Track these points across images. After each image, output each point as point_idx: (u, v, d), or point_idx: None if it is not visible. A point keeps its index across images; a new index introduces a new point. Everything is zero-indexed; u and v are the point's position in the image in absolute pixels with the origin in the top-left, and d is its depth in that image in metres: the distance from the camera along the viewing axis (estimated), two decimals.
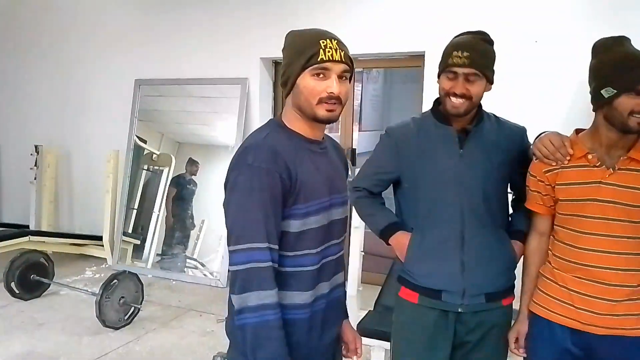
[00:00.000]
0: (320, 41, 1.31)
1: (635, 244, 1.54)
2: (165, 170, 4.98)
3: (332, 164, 1.49)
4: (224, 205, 1.33)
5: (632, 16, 3.38)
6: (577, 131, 1.68)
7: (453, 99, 1.65)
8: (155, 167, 5.07)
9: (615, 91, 1.50)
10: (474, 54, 1.62)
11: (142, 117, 5.11)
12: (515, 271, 1.82)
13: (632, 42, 1.58)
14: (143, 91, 5.11)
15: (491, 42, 1.69)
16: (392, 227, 1.83)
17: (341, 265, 1.55)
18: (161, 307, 4.08)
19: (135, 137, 5.10)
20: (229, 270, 1.43)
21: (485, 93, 1.71)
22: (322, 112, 1.34)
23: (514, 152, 1.79)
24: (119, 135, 5.12)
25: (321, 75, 1.32)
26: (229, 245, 1.30)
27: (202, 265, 4.71)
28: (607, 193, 1.54)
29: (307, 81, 1.32)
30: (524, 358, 1.78)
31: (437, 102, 1.79)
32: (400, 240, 1.80)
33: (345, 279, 1.67)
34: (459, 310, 1.73)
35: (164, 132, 5.05)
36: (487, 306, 1.74)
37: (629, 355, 1.56)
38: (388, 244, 1.86)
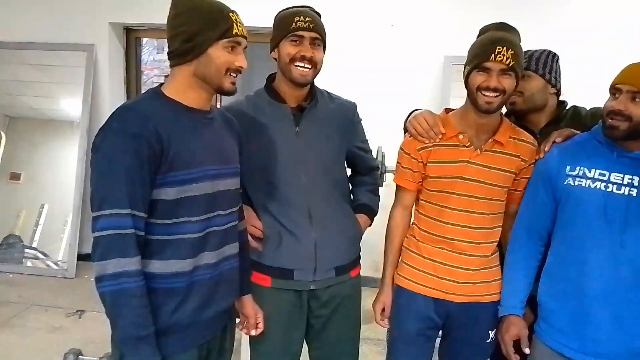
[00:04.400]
0: (230, 15, 1.37)
1: (491, 219, 1.68)
2: None
3: (219, 133, 1.49)
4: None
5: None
6: (447, 110, 1.75)
7: (300, 65, 1.65)
8: None
9: (467, 68, 1.61)
10: (315, 19, 1.67)
11: None
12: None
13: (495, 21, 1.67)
14: None
15: (319, 15, 1.75)
16: None
17: (232, 237, 1.53)
18: None
19: None
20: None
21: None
22: (227, 84, 1.39)
23: (346, 127, 1.85)
24: None
25: (232, 48, 1.37)
26: (92, 211, 1.28)
27: (45, 255, 4.29)
28: (473, 172, 1.64)
29: (219, 52, 1.36)
30: (388, 329, 1.86)
31: (270, 79, 1.79)
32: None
33: (245, 252, 1.66)
34: (312, 287, 1.76)
35: None
36: (337, 280, 1.79)
37: (480, 318, 1.71)
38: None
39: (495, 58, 1.53)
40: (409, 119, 1.76)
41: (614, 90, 1.47)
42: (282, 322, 1.77)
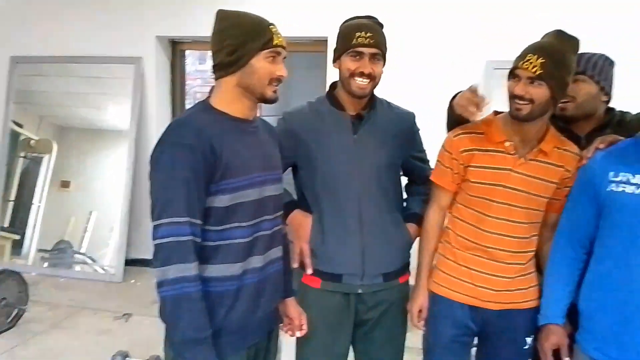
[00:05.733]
0: (270, 27, 1.42)
1: (528, 228, 1.67)
2: (46, 157, 4.60)
3: (263, 142, 1.54)
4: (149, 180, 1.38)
5: None
6: (495, 113, 1.73)
7: (359, 79, 1.68)
8: (34, 154, 4.65)
9: None
10: (376, 34, 1.68)
11: (18, 98, 4.64)
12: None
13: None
14: (20, 70, 4.62)
15: (382, 26, 1.76)
16: (288, 206, 1.82)
17: (277, 240, 1.58)
18: (50, 307, 3.78)
19: (10, 122, 4.62)
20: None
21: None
22: (270, 92, 1.44)
23: (404, 137, 1.87)
24: None
25: (273, 58, 1.42)
26: (152, 220, 1.33)
27: (93, 260, 4.43)
28: (515, 181, 1.63)
29: (262, 63, 1.41)
30: (423, 335, 1.85)
31: (332, 87, 1.83)
32: (298, 219, 1.82)
33: (287, 255, 1.70)
34: (359, 291, 1.79)
35: (44, 115, 4.65)
36: (385, 285, 1.82)
37: (516, 325, 1.71)
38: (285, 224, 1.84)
39: (522, 65, 1.52)
40: (454, 99, 1.73)
41: None
42: (329, 323, 1.81)
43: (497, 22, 3.68)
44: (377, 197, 1.79)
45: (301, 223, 1.81)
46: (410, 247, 1.89)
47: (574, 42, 1.59)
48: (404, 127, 1.88)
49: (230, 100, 1.45)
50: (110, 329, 3.45)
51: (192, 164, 1.32)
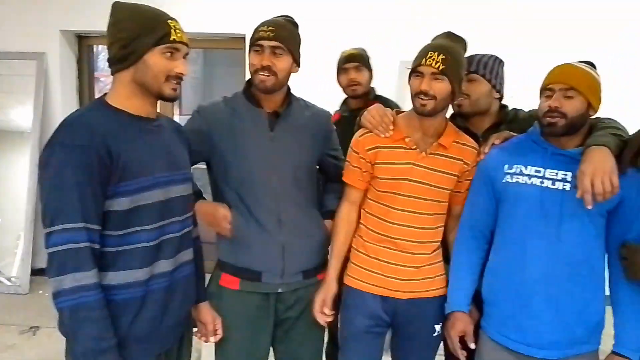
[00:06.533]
0: (168, 21, 1.37)
1: (434, 219, 1.76)
2: None
3: (167, 141, 1.49)
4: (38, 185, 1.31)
5: None
6: (396, 112, 1.82)
7: (260, 73, 1.68)
8: None
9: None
10: (278, 29, 1.69)
11: None
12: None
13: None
14: None
15: (296, 25, 1.77)
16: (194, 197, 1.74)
17: (187, 243, 1.54)
18: None
19: None
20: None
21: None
22: (168, 90, 1.39)
23: (321, 135, 1.89)
24: None
25: (171, 54, 1.37)
26: (44, 227, 1.27)
27: None
28: (418, 174, 1.71)
29: (157, 58, 1.36)
30: (339, 327, 1.89)
31: (249, 83, 1.81)
32: (208, 209, 1.76)
33: (200, 259, 1.66)
34: (279, 290, 1.79)
35: None
36: (304, 283, 1.83)
37: (425, 313, 1.78)
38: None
39: (426, 62, 1.61)
40: (363, 114, 1.81)
41: (546, 91, 1.54)
42: (249, 325, 1.78)
43: (409, 24, 3.82)
44: (295, 194, 1.79)
45: (213, 213, 1.74)
46: (327, 244, 1.91)
47: (463, 41, 1.74)
48: (320, 125, 1.89)
49: (127, 97, 1.39)
50: (16, 344, 3.27)
51: (84, 165, 1.25)
